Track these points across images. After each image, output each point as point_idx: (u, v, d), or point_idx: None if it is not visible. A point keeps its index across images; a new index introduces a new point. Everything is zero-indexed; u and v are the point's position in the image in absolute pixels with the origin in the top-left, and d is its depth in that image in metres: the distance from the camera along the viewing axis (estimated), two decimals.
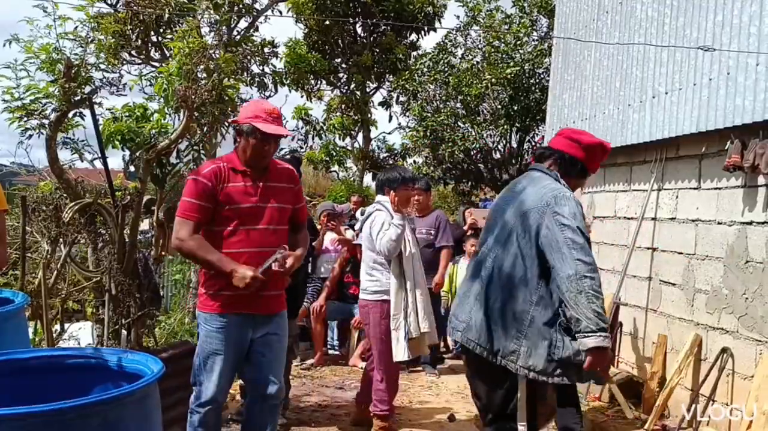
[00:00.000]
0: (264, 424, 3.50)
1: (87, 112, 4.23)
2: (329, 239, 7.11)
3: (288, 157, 5.12)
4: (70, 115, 4.18)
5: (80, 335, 5.22)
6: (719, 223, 4.77)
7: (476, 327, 3.03)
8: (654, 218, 5.57)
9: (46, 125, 4.07)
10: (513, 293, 2.97)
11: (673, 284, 5.27)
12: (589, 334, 2.79)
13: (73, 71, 4.00)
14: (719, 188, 4.80)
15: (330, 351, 7.07)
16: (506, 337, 2.96)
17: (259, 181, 3.37)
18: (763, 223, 4.33)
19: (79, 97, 4.09)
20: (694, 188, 5.10)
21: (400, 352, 4.41)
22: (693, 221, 5.09)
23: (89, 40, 4.39)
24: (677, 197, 5.32)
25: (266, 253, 3.32)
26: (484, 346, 3.00)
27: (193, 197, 3.26)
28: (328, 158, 14.24)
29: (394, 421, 4.70)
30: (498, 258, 3.05)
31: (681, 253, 5.21)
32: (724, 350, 4.59)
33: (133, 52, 7.64)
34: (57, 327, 4.58)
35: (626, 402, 5.20)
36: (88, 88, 4.15)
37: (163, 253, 4.75)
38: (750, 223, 4.45)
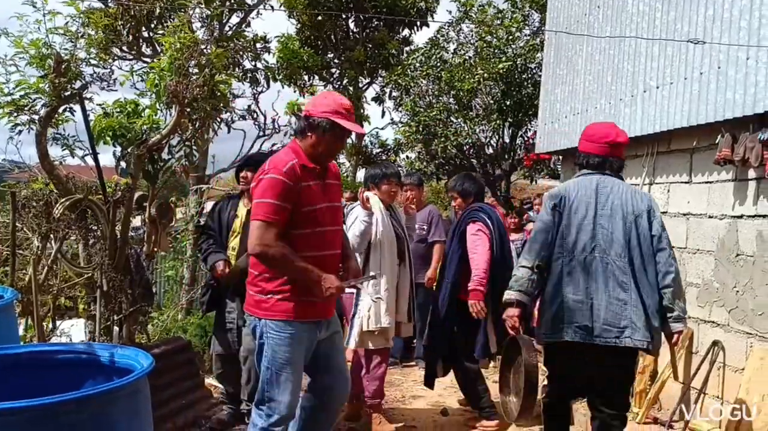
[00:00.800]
0: (332, 423, 3.44)
1: (77, 107, 4.21)
2: None
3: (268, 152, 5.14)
4: (60, 110, 4.16)
5: (72, 332, 5.20)
6: (710, 217, 4.79)
7: (642, 327, 3.40)
8: None
9: (36, 121, 4.05)
10: (652, 290, 3.42)
11: None
12: (681, 320, 3.44)
13: (63, 66, 3.98)
14: (710, 182, 4.82)
15: None
16: (658, 329, 3.44)
17: (323, 179, 3.23)
18: (753, 216, 4.35)
19: (69, 93, 4.07)
20: (686, 182, 5.11)
21: (351, 342, 4.52)
22: (684, 214, 5.10)
23: (79, 35, 4.37)
24: (669, 191, 5.34)
25: (335, 256, 3.25)
26: (648, 340, 3.41)
27: (274, 197, 3.02)
28: None
29: (385, 411, 4.72)
30: (633, 262, 3.42)
31: (672, 247, 5.22)
32: (715, 343, 4.61)
33: (124, 48, 7.60)
34: (50, 324, 4.57)
35: None
36: (78, 84, 4.13)
37: (155, 249, 4.73)
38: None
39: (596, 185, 3.54)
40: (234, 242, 4.37)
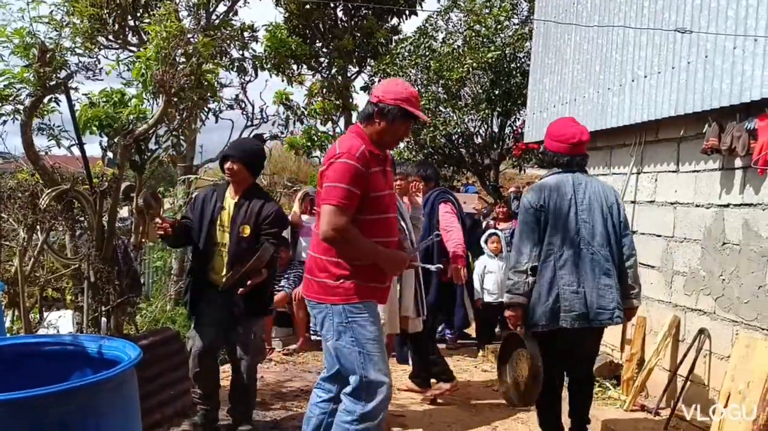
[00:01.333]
0: None
1: (63, 97, 4.16)
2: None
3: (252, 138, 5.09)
4: (45, 100, 4.11)
5: (60, 323, 5.17)
6: (697, 205, 4.82)
7: (621, 306, 3.77)
8: (633, 202, 5.61)
9: (21, 111, 4.01)
10: (623, 272, 3.82)
11: (652, 267, 5.32)
12: (638, 296, 3.90)
13: (47, 56, 3.93)
14: (697, 171, 4.84)
15: (312, 337, 7.05)
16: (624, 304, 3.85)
17: (385, 166, 3.24)
18: (739, 205, 4.38)
19: (54, 82, 4.02)
20: (673, 171, 5.14)
21: None
22: (671, 203, 5.13)
23: (64, 24, 4.32)
24: (656, 180, 5.36)
25: (396, 242, 3.29)
26: (623, 316, 3.81)
27: (347, 182, 3.01)
28: (309, 144, 14.16)
29: None
30: (611, 249, 3.76)
31: (660, 236, 5.26)
32: (701, 331, 4.65)
33: (109, 37, 7.53)
34: (37, 316, 4.54)
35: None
36: (63, 73, 4.08)
37: (143, 240, 4.70)
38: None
39: (572, 181, 3.82)
40: (224, 238, 4.15)
